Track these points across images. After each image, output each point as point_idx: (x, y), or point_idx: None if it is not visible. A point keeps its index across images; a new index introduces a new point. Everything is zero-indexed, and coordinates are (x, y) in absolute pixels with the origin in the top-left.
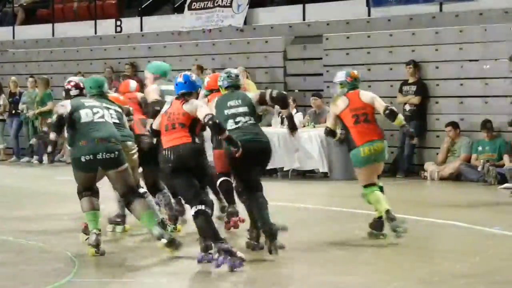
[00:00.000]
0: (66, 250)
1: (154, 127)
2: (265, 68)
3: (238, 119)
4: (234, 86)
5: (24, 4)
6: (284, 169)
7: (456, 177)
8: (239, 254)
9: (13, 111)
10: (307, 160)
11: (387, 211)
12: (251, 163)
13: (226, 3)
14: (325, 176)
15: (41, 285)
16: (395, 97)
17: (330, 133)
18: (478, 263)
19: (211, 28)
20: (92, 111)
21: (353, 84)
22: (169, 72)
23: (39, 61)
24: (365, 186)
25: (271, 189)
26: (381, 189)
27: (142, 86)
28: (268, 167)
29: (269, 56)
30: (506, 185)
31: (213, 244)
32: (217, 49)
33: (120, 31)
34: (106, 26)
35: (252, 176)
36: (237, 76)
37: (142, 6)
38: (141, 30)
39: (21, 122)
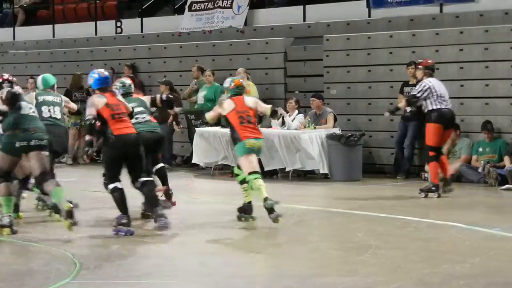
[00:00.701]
0: (66, 251)
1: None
2: (266, 69)
3: (137, 116)
4: (128, 93)
5: (25, 5)
6: (285, 170)
7: (457, 178)
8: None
9: None
10: (308, 161)
11: (266, 198)
12: (146, 150)
13: (226, 4)
14: (325, 177)
15: (41, 286)
16: (395, 98)
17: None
18: (478, 264)
19: (211, 29)
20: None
21: (235, 90)
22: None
23: (40, 62)
24: (250, 174)
25: (271, 190)
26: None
27: (143, 87)
28: (269, 168)
29: (269, 57)
30: (506, 186)
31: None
32: (217, 50)
33: (121, 32)
34: (107, 27)
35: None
36: (130, 85)
37: (142, 7)
38: (141, 31)
39: None
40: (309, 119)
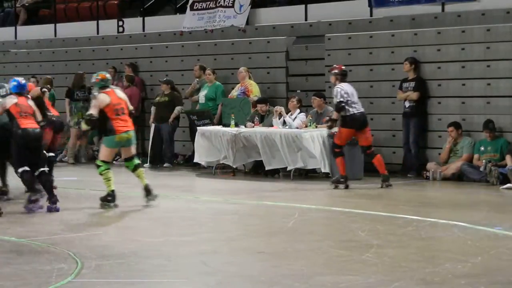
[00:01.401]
0: (68, 250)
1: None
2: (267, 68)
3: None
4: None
5: (26, 4)
6: (287, 169)
7: (458, 177)
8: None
9: None
10: (309, 160)
11: (113, 191)
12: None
13: (228, 3)
14: (327, 176)
15: (43, 285)
16: (396, 97)
17: (91, 122)
18: (479, 263)
19: (213, 28)
20: None
21: (101, 83)
22: None
23: (41, 61)
24: (104, 162)
25: (273, 189)
26: (137, 165)
27: (144, 86)
28: (271, 167)
29: (271, 56)
30: (508, 185)
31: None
32: (219, 49)
33: (122, 32)
34: (108, 26)
35: None
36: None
37: (144, 7)
38: (143, 30)
39: None
40: (310, 118)
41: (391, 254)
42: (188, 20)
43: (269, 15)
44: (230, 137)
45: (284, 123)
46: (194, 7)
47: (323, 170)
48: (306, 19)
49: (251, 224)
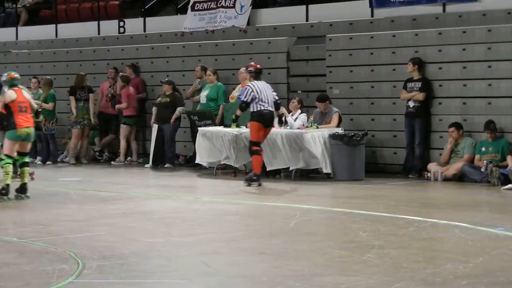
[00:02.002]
0: (69, 251)
1: None
2: (268, 68)
3: None
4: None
5: (27, 5)
6: (289, 170)
7: (459, 178)
8: None
9: None
10: (311, 160)
11: (7, 185)
12: None
13: (229, 4)
14: (328, 177)
15: (44, 286)
16: (397, 97)
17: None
18: (481, 264)
19: (214, 29)
20: None
21: (11, 82)
22: None
23: (42, 62)
24: (7, 156)
25: (274, 190)
26: (25, 164)
27: (145, 87)
28: (272, 168)
29: (272, 56)
30: (509, 186)
31: None
32: (220, 49)
33: (123, 32)
34: (109, 27)
35: None
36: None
37: (145, 7)
38: (144, 31)
39: None
40: (311, 118)
41: (392, 255)
42: (189, 21)
43: (270, 16)
44: (231, 137)
45: (285, 123)
46: (195, 8)
47: (324, 171)
48: (307, 20)
49: (252, 224)
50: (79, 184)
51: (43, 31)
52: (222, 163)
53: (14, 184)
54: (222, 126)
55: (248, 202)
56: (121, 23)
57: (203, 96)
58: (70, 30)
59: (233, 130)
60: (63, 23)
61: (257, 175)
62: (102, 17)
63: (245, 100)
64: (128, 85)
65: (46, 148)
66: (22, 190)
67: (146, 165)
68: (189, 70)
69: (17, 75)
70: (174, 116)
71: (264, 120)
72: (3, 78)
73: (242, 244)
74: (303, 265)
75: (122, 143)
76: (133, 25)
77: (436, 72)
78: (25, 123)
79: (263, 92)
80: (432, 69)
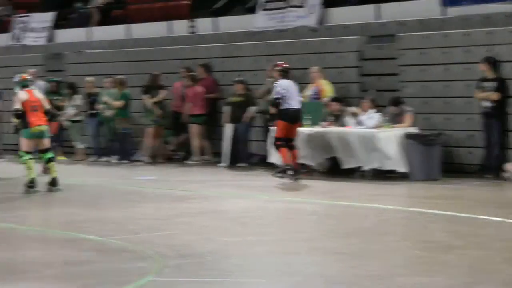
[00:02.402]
0: (147, 249)
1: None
2: (339, 68)
3: None
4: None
5: (100, 5)
6: (362, 169)
7: None
8: None
9: (91, 112)
10: (386, 160)
11: (33, 179)
12: None
13: (299, 3)
14: (404, 176)
15: (123, 283)
16: (471, 97)
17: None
18: None
19: (284, 28)
20: None
21: (23, 83)
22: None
23: (114, 62)
24: (26, 153)
25: (349, 189)
26: (50, 159)
27: (217, 86)
28: (347, 166)
29: (343, 55)
30: None
31: None
32: (290, 49)
33: (194, 32)
34: (180, 26)
35: None
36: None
37: (215, 7)
38: (215, 30)
39: (99, 122)
40: (386, 117)
41: (471, 256)
42: (259, 20)
43: (340, 15)
44: (305, 136)
45: (359, 123)
46: (265, 7)
47: (400, 170)
48: (377, 19)
49: (328, 224)
50: (155, 183)
51: (114, 31)
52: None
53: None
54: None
55: (323, 201)
56: (192, 23)
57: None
58: (141, 30)
59: (307, 129)
60: (134, 23)
61: (289, 165)
62: (173, 17)
63: (277, 97)
64: (196, 84)
65: (122, 147)
66: (53, 183)
67: (220, 164)
68: (260, 69)
69: (29, 77)
70: (247, 115)
71: (290, 118)
72: (16, 79)
73: (318, 244)
74: (380, 265)
75: (195, 142)
76: (203, 24)
77: (510, 70)
78: (38, 122)
79: (290, 91)
80: (506, 68)
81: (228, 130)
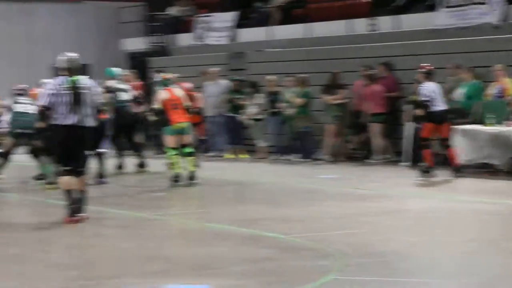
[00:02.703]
0: (328, 247)
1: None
2: None
3: None
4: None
5: (280, 4)
6: None
7: None
8: None
9: (273, 110)
10: None
11: (178, 174)
12: None
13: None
14: None
15: (305, 281)
16: None
17: (159, 112)
18: None
19: (466, 26)
20: None
21: (164, 82)
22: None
23: (294, 61)
24: (172, 148)
25: None
26: (190, 154)
27: (398, 85)
28: None
29: None
30: None
31: None
32: (472, 47)
33: (374, 30)
34: (360, 25)
35: None
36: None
37: (395, 5)
38: (396, 28)
39: (280, 121)
40: None
41: None
42: (440, 18)
43: None
44: (489, 135)
45: None
46: (447, 4)
47: None
48: None
49: None
50: (336, 182)
51: (294, 30)
52: (480, 162)
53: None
54: (478, 124)
55: (508, 202)
56: (372, 21)
57: (458, 93)
58: (320, 28)
59: (492, 128)
60: (314, 21)
61: (430, 167)
62: (352, 15)
63: (425, 100)
64: (374, 83)
65: (303, 145)
66: (191, 177)
67: (402, 164)
68: (441, 67)
69: (169, 76)
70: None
71: (437, 120)
72: (157, 79)
73: (503, 245)
74: None
75: (377, 141)
76: (384, 22)
77: None
78: (178, 119)
79: (436, 92)
80: None
81: (409, 128)
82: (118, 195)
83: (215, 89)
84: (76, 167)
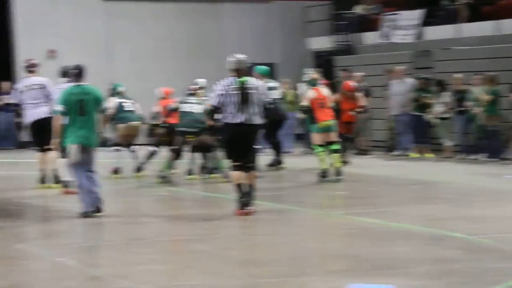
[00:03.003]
0: None
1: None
2: None
3: None
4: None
5: (468, 1)
6: None
7: None
8: None
9: (459, 109)
10: None
11: (325, 169)
12: None
13: None
14: None
15: (490, 284)
16: None
17: (308, 111)
18: None
19: None
20: None
21: (312, 82)
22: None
23: (482, 59)
24: (319, 145)
25: None
26: (335, 150)
27: None
28: None
29: None
30: None
31: None
32: None
33: None
34: None
35: None
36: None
37: None
38: None
39: (467, 120)
40: None
41: None
42: None
43: None
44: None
45: None
46: None
47: None
48: None
49: None
50: None
51: (483, 27)
52: None
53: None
54: None
55: None
56: None
57: None
58: (511, 25)
59: None
60: (503, 18)
61: None
62: None
63: None
64: None
65: (490, 144)
66: (337, 173)
67: None
68: None
69: (317, 75)
70: None
71: None
72: (306, 79)
73: None
74: None
75: None
76: None
77: None
78: (325, 117)
79: None
80: None
81: None
82: (296, 193)
83: (401, 88)
84: (245, 163)
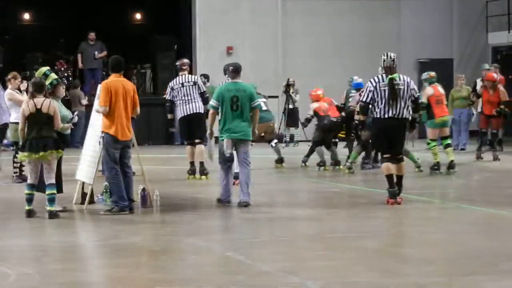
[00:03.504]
0: None
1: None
2: None
3: None
4: None
5: None
6: None
7: None
8: None
9: None
10: None
11: (438, 162)
12: None
13: None
14: None
15: None
16: None
17: (427, 107)
18: None
19: None
20: None
21: (431, 80)
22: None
23: None
24: (432, 140)
25: None
26: (448, 145)
27: None
28: None
29: None
30: None
31: None
32: None
33: None
34: None
35: None
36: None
37: None
38: None
39: None
40: None
41: None
42: None
43: None
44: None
45: None
46: None
47: None
48: None
49: None
50: None
51: None
52: None
53: None
54: None
55: None
56: None
57: None
58: None
59: None
60: None
61: None
62: None
63: None
64: None
65: None
66: (450, 166)
67: None
68: None
69: (434, 74)
70: None
71: None
72: (424, 77)
73: None
74: None
75: None
76: None
77: None
78: (441, 113)
79: None
80: None
81: None
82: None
83: None
84: (395, 154)
